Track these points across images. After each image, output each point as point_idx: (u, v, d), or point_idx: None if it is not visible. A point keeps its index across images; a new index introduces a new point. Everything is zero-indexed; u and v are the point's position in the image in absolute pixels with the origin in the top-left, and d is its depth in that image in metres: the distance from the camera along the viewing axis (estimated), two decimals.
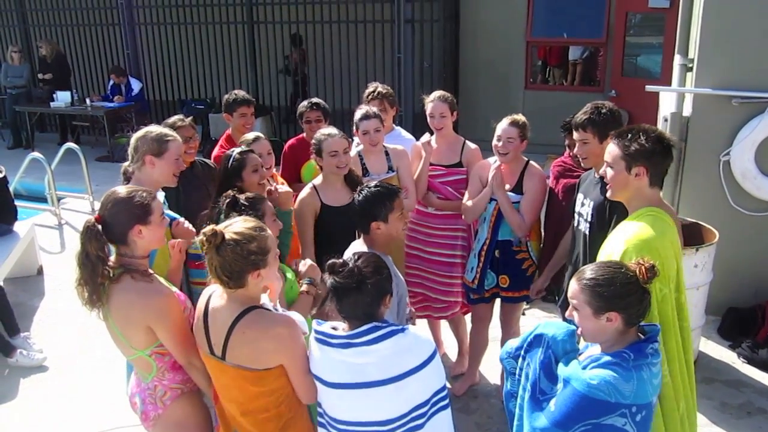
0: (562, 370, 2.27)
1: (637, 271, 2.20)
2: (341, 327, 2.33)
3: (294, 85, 11.81)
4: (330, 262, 2.30)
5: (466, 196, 4.01)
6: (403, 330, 2.25)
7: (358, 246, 3.01)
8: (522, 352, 2.43)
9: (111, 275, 2.50)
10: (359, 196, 3.01)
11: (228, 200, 2.96)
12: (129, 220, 2.54)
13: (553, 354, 2.34)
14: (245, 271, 2.29)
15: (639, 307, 2.20)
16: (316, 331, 2.32)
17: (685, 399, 2.64)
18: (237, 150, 3.55)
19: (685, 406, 2.62)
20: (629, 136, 2.64)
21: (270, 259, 2.36)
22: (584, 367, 2.21)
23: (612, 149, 2.70)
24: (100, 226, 2.52)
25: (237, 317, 2.32)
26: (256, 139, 4.01)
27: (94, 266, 2.46)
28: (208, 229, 2.29)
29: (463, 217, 4.08)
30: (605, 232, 3.11)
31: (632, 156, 2.62)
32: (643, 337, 2.27)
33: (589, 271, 2.25)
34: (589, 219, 3.29)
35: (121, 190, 2.63)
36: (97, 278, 2.47)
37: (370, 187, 3.02)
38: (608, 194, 2.80)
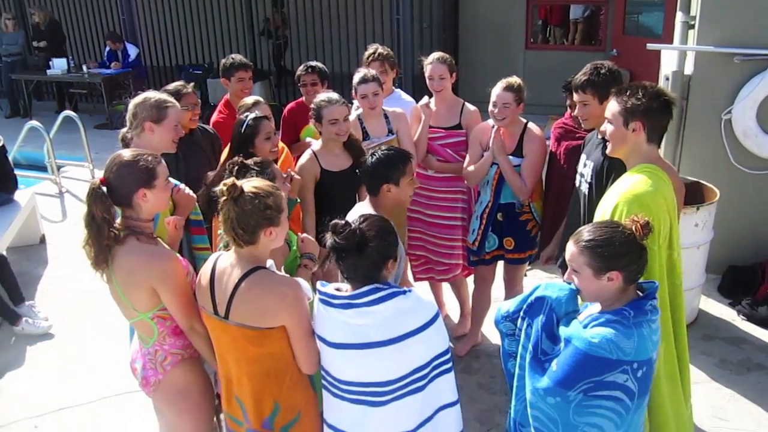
0: (563, 330, 2.29)
1: (633, 228, 2.22)
2: (345, 288, 2.34)
3: (275, 48, 11.67)
4: (333, 222, 2.31)
5: (467, 160, 4.00)
6: (404, 293, 2.26)
7: (363, 208, 3.03)
8: (522, 314, 2.45)
9: (116, 237, 2.52)
10: (372, 157, 3.03)
11: (237, 167, 2.94)
12: (133, 184, 2.54)
13: (555, 315, 2.36)
14: (260, 225, 2.33)
15: (638, 264, 2.22)
16: (320, 292, 2.34)
17: (669, 356, 2.69)
18: (251, 116, 3.51)
19: (664, 364, 2.66)
20: (628, 92, 2.66)
21: (282, 218, 2.41)
22: (585, 326, 2.22)
23: (612, 105, 2.72)
24: (105, 188, 2.53)
25: (243, 275, 2.35)
26: (256, 103, 3.98)
27: (99, 228, 2.48)
28: (228, 180, 2.33)
29: (465, 182, 4.08)
30: (602, 191, 3.11)
31: (629, 111, 2.64)
32: (641, 294, 2.29)
33: (586, 232, 2.25)
34: (588, 180, 3.28)
35: (127, 153, 2.62)
36: (103, 240, 2.49)
37: (384, 150, 3.06)
38: (607, 150, 2.81)
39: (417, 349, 2.27)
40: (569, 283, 2.35)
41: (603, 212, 2.63)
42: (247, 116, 3.51)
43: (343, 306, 2.26)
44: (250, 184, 2.38)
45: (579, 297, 2.36)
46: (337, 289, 2.34)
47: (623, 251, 2.19)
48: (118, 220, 2.60)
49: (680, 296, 2.76)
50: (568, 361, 2.18)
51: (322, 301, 2.33)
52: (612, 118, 2.70)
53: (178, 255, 2.73)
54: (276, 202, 2.37)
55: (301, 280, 2.48)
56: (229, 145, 3.60)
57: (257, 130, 3.46)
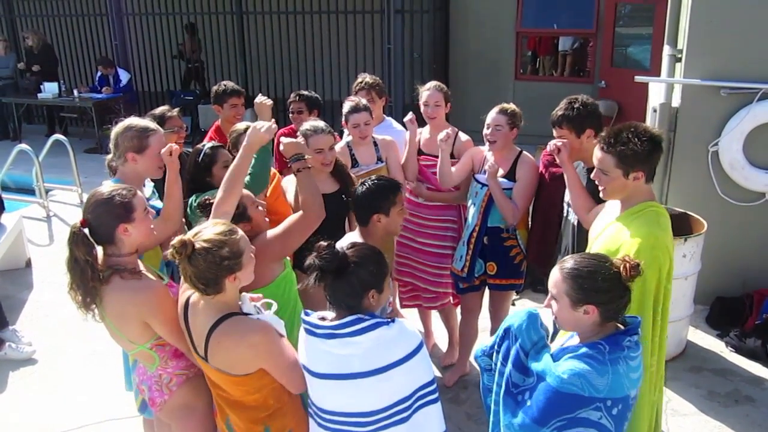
0: (534, 364, 2.24)
1: (621, 268, 2.15)
2: (330, 316, 2.32)
3: (188, 72, 11.88)
4: (318, 243, 2.29)
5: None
6: (387, 323, 2.23)
7: (353, 237, 3.02)
8: (496, 348, 2.42)
9: (101, 278, 2.51)
10: (362, 187, 3.03)
11: (207, 208, 2.87)
12: (113, 221, 2.55)
13: (520, 345, 2.32)
14: (221, 276, 2.28)
15: (618, 303, 2.16)
16: (304, 321, 2.31)
17: (659, 387, 2.71)
18: (208, 145, 3.54)
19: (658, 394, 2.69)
20: (620, 140, 2.57)
21: (245, 260, 2.34)
22: (556, 358, 2.19)
23: (602, 156, 2.62)
24: (86, 230, 2.53)
25: (213, 325, 2.32)
26: (247, 130, 3.98)
27: (83, 270, 2.48)
28: (176, 240, 2.25)
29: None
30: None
31: (629, 162, 2.56)
32: (623, 328, 2.23)
33: (572, 261, 2.21)
34: None
35: (102, 190, 2.63)
36: (88, 282, 2.49)
37: (373, 180, 3.06)
38: (601, 195, 2.72)
39: (400, 379, 2.25)
40: (548, 314, 2.33)
41: (610, 253, 2.56)
42: (204, 145, 3.53)
43: (326, 336, 2.24)
44: (201, 237, 2.28)
45: (542, 323, 2.33)
46: (322, 318, 2.31)
47: (604, 287, 2.13)
48: (100, 258, 2.58)
49: (666, 328, 2.76)
50: (541, 398, 2.15)
51: (306, 330, 2.31)
52: (607, 169, 2.61)
53: (168, 279, 2.74)
54: (232, 250, 2.29)
55: (272, 319, 2.41)
56: (186, 175, 3.52)
57: (215, 158, 3.48)
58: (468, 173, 4.01)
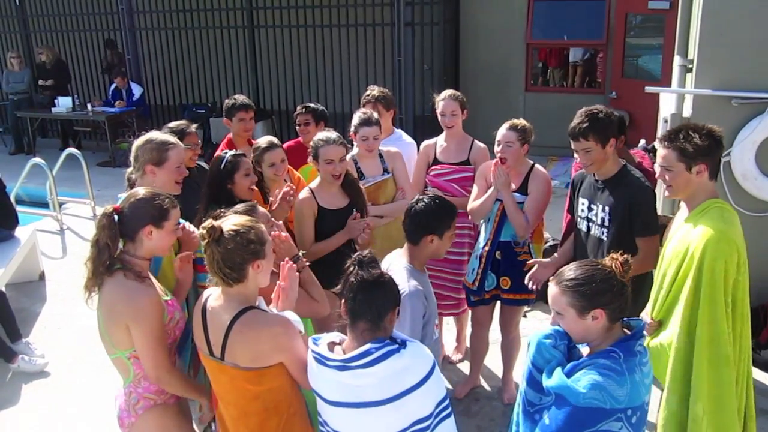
0: (545, 381, 2.23)
1: (613, 266, 2.20)
2: (338, 339, 2.32)
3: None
4: (360, 257, 2.29)
5: (472, 196, 3.99)
6: (398, 350, 2.20)
7: (397, 257, 2.97)
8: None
9: (109, 266, 2.55)
10: (420, 204, 2.90)
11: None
12: (143, 219, 2.59)
13: (533, 363, 2.32)
14: (246, 261, 2.33)
15: (620, 301, 2.18)
16: (313, 351, 2.30)
17: (748, 385, 2.86)
18: (230, 153, 3.54)
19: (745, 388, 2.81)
20: (681, 137, 2.73)
21: (267, 250, 2.41)
22: (568, 374, 2.17)
23: (665, 153, 2.78)
24: (116, 216, 2.58)
25: (235, 317, 2.34)
26: (271, 146, 3.92)
27: (100, 251, 2.53)
28: (206, 223, 2.34)
29: (470, 218, 4.06)
30: (626, 233, 3.15)
31: (691, 156, 2.72)
32: (629, 332, 2.24)
33: (566, 272, 2.23)
34: (606, 224, 3.27)
35: (145, 190, 2.68)
36: (99, 265, 2.53)
37: (434, 198, 2.95)
38: (666, 194, 2.88)
39: (417, 403, 2.24)
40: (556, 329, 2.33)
41: (678, 254, 2.72)
42: (226, 153, 3.54)
43: (338, 368, 2.22)
44: (229, 222, 2.39)
45: (558, 341, 2.32)
46: (331, 343, 2.31)
47: (604, 288, 2.15)
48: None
49: (747, 320, 2.94)
50: (561, 416, 2.13)
51: (316, 359, 2.29)
52: (670, 164, 2.77)
53: (170, 297, 2.73)
54: (258, 235, 2.38)
55: (290, 315, 2.47)
56: (207, 182, 3.56)
57: (237, 166, 3.48)
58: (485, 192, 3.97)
